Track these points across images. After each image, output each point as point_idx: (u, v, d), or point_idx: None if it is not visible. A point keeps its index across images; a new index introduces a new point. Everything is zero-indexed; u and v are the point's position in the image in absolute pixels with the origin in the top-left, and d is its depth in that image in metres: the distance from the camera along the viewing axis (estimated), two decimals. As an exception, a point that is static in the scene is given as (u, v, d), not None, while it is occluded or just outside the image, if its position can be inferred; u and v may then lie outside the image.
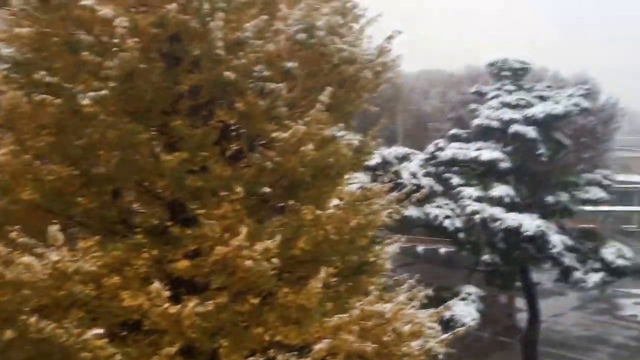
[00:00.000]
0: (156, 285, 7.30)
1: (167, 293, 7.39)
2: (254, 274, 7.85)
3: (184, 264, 7.94)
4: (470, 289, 20.29)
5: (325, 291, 9.21)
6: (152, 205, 8.74)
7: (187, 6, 7.52)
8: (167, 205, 8.55)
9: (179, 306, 7.42)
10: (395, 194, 10.34)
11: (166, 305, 7.40)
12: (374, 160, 18.94)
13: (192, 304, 7.46)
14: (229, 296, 7.92)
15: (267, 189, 8.46)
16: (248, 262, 7.67)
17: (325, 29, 8.14)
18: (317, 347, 8.46)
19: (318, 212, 9.00)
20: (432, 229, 22.32)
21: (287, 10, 8.13)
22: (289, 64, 7.97)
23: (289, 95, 8.15)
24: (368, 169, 18.05)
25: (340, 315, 8.91)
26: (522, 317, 23.64)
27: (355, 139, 9.72)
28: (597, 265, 22.38)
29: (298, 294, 8.66)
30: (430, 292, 10.53)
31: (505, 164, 23.32)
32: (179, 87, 7.89)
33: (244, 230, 7.62)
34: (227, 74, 7.55)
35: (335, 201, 9.70)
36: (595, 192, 24.53)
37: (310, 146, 8.24)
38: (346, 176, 10.17)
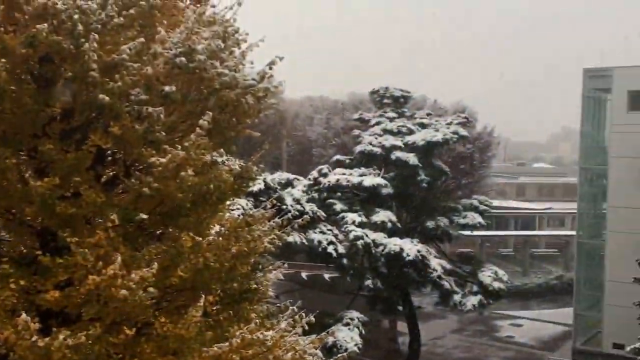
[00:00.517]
0: (24, 317, 6.89)
1: (35, 325, 6.98)
2: (129, 304, 7.55)
3: (54, 294, 7.54)
4: (353, 314, 20.52)
5: (205, 320, 9.01)
6: (21, 233, 8.27)
7: (59, 26, 7.24)
8: (36, 233, 8.11)
9: (47, 339, 7.02)
10: (277, 220, 10.32)
11: (34, 338, 6.99)
12: (257, 186, 18.88)
13: (62, 336, 7.08)
14: (102, 327, 7.58)
15: (144, 216, 8.20)
16: (123, 292, 7.38)
17: (206, 53, 8.06)
18: (196, 378, 8.26)
19: (198, 239, 8.82)
20: (316, 255, 22.47)
21: (165, 33, 7.98)
22: (168, 88, 7.81)
23: (167, 120, 7.98)
24: (251, 194, 17.97)
25: (220, 345, 8.75)
26: (404, 341, 24.16)
27: (237, 164, 9.65)
28: (475, 288, 23.26)
29: (176, 323, 8.43)
30: (312, 318, 10.54)
31: (387, 190, 23.91)
32: (50, 110, 7.54)
33: (118, 258, 7.34)
34: (101, 96, 7.30)
35: (216, 228, 9.56)
36: (473, 217, 25.58)
37: (190, 172, 8.08)
38: (228, 202, 10.05)
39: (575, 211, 31.66)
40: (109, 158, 8.41)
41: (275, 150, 48.75)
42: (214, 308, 9.27)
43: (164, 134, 7.95)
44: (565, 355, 27.88)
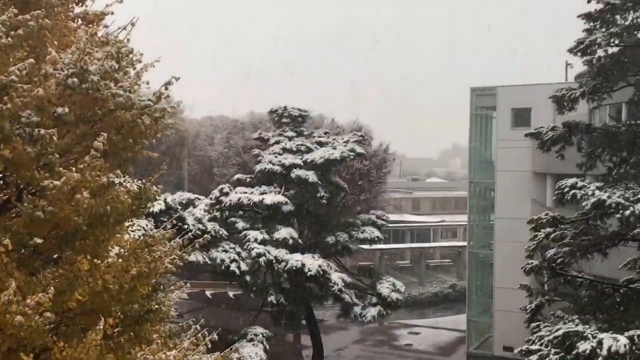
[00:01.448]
0: None
1: None
2: (25, 330, 7.38)
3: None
4: (257, 330, 20.60)
5: (105, 343, 8.90)
6: None
7: (-58, 47, 7.06)
8: None
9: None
10: (179, 240, 10.33)
11: None
12: (158, 206, 18.68)
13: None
14: (-2, 356, 7.39)
15: (39, 240, 8.03)
16: (18, 318, 7.21)
17: (99, 73, 8.02)
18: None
19: (95, 261, 8.73)
20: (219, 273, 22.42)
21: (56, 54, 7.90)
22: (60, 109, 7.72)
23: (60, 142, 7.88)
24: (151, 215, 17.75)
25: (122, 367, 8.67)
26: (308, 354, 24.42)
27: (135, 185, 9.61)
28: (374, 300, 23.86)
29: (76, 347, 8.30)
30: (215, 336, 10.59)
31: (288, 207, 24.20)
32: (-64, 133, 7.30)
33: (12, 284, 7.17)
34: (-9, 119, 7.15)
35: (115, 249, 9.47)
36: (372, 232, 26.26)
37: (86, 194, 8.00)
38: (127, 223, 9.97)
39: (466, 223, 33.04)
40: (0, 182, 8.21)
41: (176, 171, 48.17)
42: (115, 330, 9.16)
43: (57, 156, 7.84)
44: (460, 359, 29.00)
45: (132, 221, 10.83)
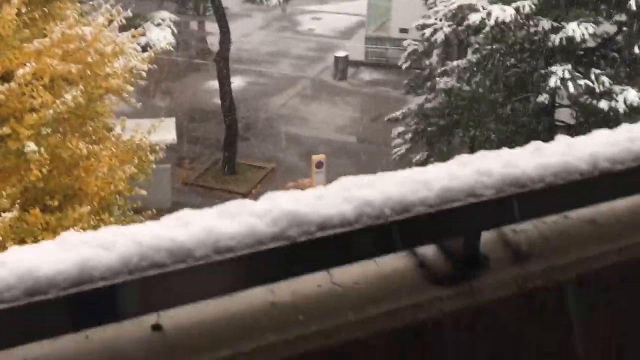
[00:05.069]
0: None
1: None
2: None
3: None
4: (164, 14, 20.72)
5: (20, 19, 9.17)
6: None
7: None
8: None
9: None
10: None
11: None
12: None
13: None
14: None
15: None
16: None
17: None
18: (20, 71, 8.68)
19: None
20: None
21: None
22: None
23: None
24: None
25: (40, 40, 9.07)
26: (214, 41, 24.95)
27: None
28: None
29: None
30: (129, 13, 10.91)
31: None
32: None
33: None
34: None
35: None
36: None
37: None
38: None
39: None
40: None
41: None
42: (27, 8, 9.36)
43: None
44: (359, 41, 30.43)
45: None
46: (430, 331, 1.37)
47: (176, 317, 1.20)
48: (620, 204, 1.58)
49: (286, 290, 1.29)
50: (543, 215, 1.50)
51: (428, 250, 1.42)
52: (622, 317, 1.59)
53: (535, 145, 1.44)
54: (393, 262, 1.39)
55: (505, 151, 1.45)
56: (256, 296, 1.26)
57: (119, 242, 1.09)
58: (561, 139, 1.48)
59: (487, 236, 1.43)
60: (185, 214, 1.19)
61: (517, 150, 1.45)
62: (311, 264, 1.25)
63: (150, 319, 1.18)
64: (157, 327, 1.19)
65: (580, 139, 1.51)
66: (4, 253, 1.09)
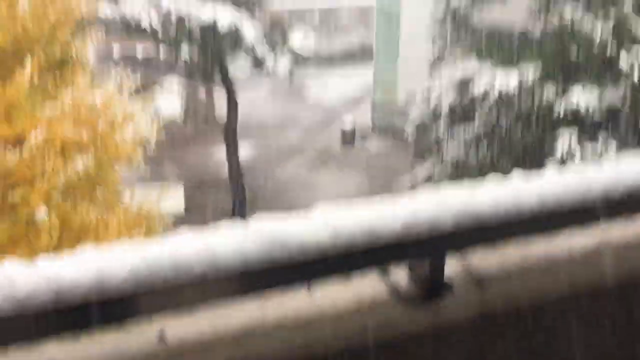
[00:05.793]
0: None
1: None
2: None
3: None
4: (173, 82, 21.07)
5: (32, 85, 9.29)
6: None
7: None
8: None
9: None
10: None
11: None
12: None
13: None
14: None
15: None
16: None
17: None
18: (32, 138, 8.74)
19: (13, 6, 8.82)
20: (129, 28, 22.15)
21: None
22: None
23: None
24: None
25: (52, 106, 9.17)
26: (222, 108, 25.26)
27: None
28: (286, 51, 24.42)
29: (5, 89, 8.68)
30: (138, 80, 11.09)
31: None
32: None
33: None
34: None
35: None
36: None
37: None
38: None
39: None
40: None
41: None
42: (39, 74, 9.50)
43: None
44: (366, 109, 30.82)
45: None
46: (397, 348, 1.53)
47: (178, 327, 1.36)
48: (578, 238, 1.74)
49: (274, 304, 1.45)
50: (500, 245, 1.64)
51: (399, 274, 1.57)
52: (577, 344, 1.73)
53: (492, 183, 1.60)
54: (367, 283, 1.55)
55: (464, 187, 1.60)
56: (248, 309, 1.42)
57: (129, 256, 1.24)
58: (515, 176, 1.63)
59: (451, 262, 1.60)
60: (186, 234, 1.34)
61: (476, 186, 1.62)
62: (293, 283, 1.41)
63: (156, 327, 1.34)
64: (160, 337, 1.34)
65: (534, 177, 1.67)
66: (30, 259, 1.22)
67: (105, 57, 22.53)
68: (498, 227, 1.55)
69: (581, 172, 1.71)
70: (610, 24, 14.23)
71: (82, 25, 10.98)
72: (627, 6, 14.49)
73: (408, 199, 1.54)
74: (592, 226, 1.72)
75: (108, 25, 20.08)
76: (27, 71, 8.59)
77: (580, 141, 14.32)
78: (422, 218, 1.48)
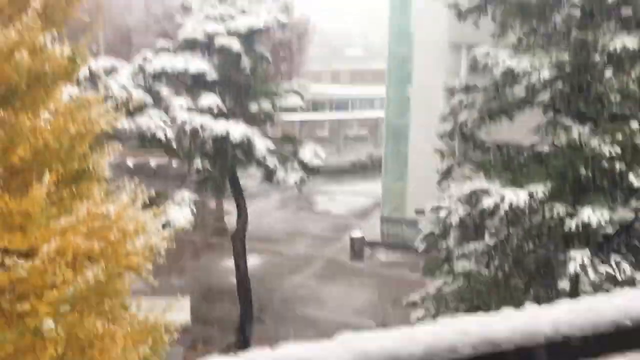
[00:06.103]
0: None
1: None
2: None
3: None
4: (184, 194, 21.32)
5: (49, 197, 9.41)
6: None
7: None
8: None
9: None
10: (109, 104, 10.69)
11: None
12: (82, 73, 18.47)
13: None
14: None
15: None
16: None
17: None
18: (45, 248, 8.76)
19: (36, 120, 9.07)
20: (145, 140, 22.70)
21: None
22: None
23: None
24: (76, 81, 17.48)
25: (67, 218, 9.25)
26: (232, 220, 25.45)
27: (67, 47, 9.78)
28: (296, 165, 24.86)
29: (21, 200, 8.78)
30: (152, 192, 11.24)
31: (211, 76, 24.32)
32: None
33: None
34: None
35: (52, 109, 9.77)
36: (293, 100, 26.84)
37: (25, 53, 8.24)
38: (62, 86, 10.23)
39: (384, 95, 34.01)
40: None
41: (92, 39, 46.31)
42: (56, 187, 9.65)
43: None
44: (375, 221, 30.90)
45: (65, 83, 11.07)
46: None
47: None
48: None
49: None
50: None
51: None
52: None
53: (506, 311, 1.66)
54: None
55: (481, 315, 1.65)
56: None
57: None
58: (529, 307, 1.67)
59: None
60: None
61: (492, 314, 1.66)
62: None
63: None
64: None
65: (546, 307, 1.70)
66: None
67: (119, 168, 23.02)
68: (512, 354, 1.60)
69: (590, 302, 1.76)
70: (618, 140, 14.44)
71: (100, 138, 11.26)
72: (634, 123, 14.75)
73: (429, 325, 1.60)
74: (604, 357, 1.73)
75: (124, 138, 20.65)
76: (44, 185, 8.73)
77: (592, 259, 14.19)
78: (441, 344, 1.54)
